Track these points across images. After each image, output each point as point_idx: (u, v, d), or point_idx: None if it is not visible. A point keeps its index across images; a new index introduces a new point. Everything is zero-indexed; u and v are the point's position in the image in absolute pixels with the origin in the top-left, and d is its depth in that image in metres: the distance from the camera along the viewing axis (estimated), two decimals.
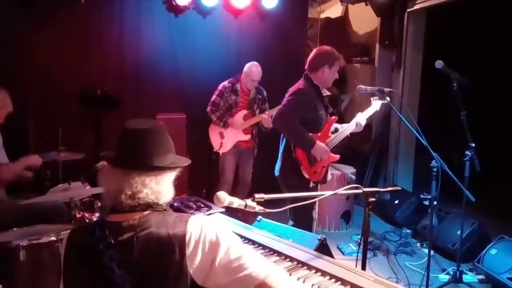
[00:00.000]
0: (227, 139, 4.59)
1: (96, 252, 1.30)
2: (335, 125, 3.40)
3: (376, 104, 3.37)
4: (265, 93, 4.72)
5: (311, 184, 3.21)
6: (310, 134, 3.15)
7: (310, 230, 3.20)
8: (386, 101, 3.26)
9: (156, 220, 1.34)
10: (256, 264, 1.33)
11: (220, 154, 4.61)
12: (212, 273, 1.30)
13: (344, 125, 3.40)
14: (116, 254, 1.29)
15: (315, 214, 3.31)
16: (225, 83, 4.62)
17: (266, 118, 4.40)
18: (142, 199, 1.35)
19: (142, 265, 1.28)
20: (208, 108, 4.61)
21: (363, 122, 3.34)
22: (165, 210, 1.41)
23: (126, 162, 1.38)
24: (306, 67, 3.31)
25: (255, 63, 4.56)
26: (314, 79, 3.24)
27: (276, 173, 3.37)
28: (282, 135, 3.33)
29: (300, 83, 3.26)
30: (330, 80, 3.29)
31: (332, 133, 3.33)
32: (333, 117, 3.36)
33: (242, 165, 4.82)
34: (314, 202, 3.25)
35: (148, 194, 1.36)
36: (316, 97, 3.24)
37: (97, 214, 3.13)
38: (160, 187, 1.40)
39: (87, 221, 2.98)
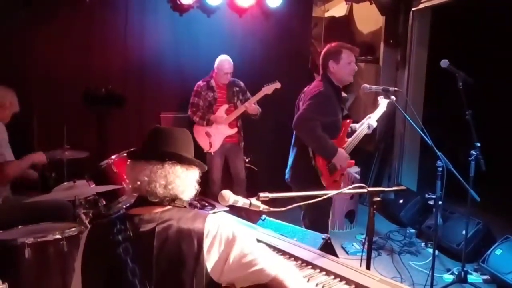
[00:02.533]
0: (214, 137, 4.50)
1: (113, 244, 1.34)
2: None
3: (383, 104, 3.28)
4: (242, 84, 4.68)
5: None
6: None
7: (325, 228, 3.16)
8: (391, 100, 3.16)
9: (176, 215, 1.40)
10: (269, 261, 1.38)
11: (212, 153, 4.46)
12: (227, 269, 1.35)
13: (354, 125, 3.30)
14: (132, 247, 1.34)
15: (329, 222, 3.27)
16: (200, 82, 4.59)
17: (249, 106, 4.43)
18: (173, 190, 1.44)
19: (161, 257, 1.32)
20: (189, 111, 4.56)
21: (375, 124, 3.23)
22: (184, 207, 1.48)
23: (161, 154, 1.46)
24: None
25: (226, 56, 4.54)
26: (332, 78, 3.13)
27: (287, 178, 3.24)
28: (293, 142, 3.23)
29: (319, 84, 3.10)
30: (344, 74, 3.12)
31: (347, 137, 3.21)
32: (348, 120, 3.23)
33: (232, 162, 4.74)
34: (330, 205, 3.23)
35: (179, 185, 1.45)
36: (336, 99, 3.11)
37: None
38: (189, 180, 1.49)
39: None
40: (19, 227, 2.69)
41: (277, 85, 4.44)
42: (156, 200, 1.42)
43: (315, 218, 3.17)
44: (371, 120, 3.25)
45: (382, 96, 3.23)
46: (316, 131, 2.95)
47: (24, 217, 2.82)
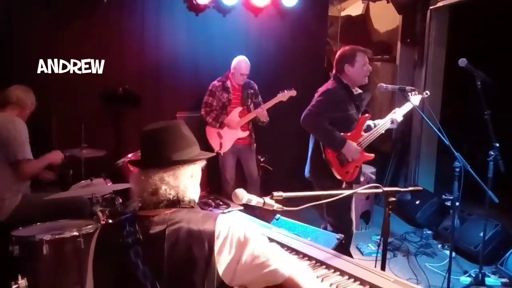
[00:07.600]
0: (225, 138, 4.52)
1: (123, 246, 1.34)
2: (368, 122, 3.31)
3: (413, 99, 3.21)
4: (256, 87, 4.69)
5: (344, 185, 3.12)
6: (341, 134, 3.08)
7: (348, 232, 3.15)
8: (426, 95, 3.27)
9: (185, 216, 1.38)
10: (282, 262, 1.35)
11: (222, 154, 4.50)
12: (239, 271, 1.33)
13: (378, 121, 3.31)
14: (143, 250, 1.33)
15: (353, 216, 3.25)
16: (215, 82, 4.60)
17: (261, 112, 4.42)
18: (163, 195, 1.40)
19: (171, 259, 1.31)
20: (202, 111, 4.57)
21: (400, 119, 3.24)
22: (192, 207, 1.45)
23: (143, 163, 1.46)
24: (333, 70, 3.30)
25: (243, 57, 4.55)
26: (344, 80, 3.20)
27: (307, 174, 3.31)
28: (311, 136, 3.28)
29: (329, 83, 3.22)
30: (359, 77, 3.19)
31: (365, 131, 3.23)
32: (366, 115, 3.25)
33: (245, 162, 4.77)
34: (351, 203, 3.23)
35: (167, 190, 1.40)
36: (346, 96, 3.17)
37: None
38: (179, 182, 1.43)
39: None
40: (38, 224, 2.74)
41: (293, 92, 4.42)
42: (151, 206, 1.41)
43: (337, 215, 3.20)
44: (396, 114, 3.26)
45: (415, 93, 3.21)
46: (322, 125, 3.05)
47: (42, 214, 2.87)
